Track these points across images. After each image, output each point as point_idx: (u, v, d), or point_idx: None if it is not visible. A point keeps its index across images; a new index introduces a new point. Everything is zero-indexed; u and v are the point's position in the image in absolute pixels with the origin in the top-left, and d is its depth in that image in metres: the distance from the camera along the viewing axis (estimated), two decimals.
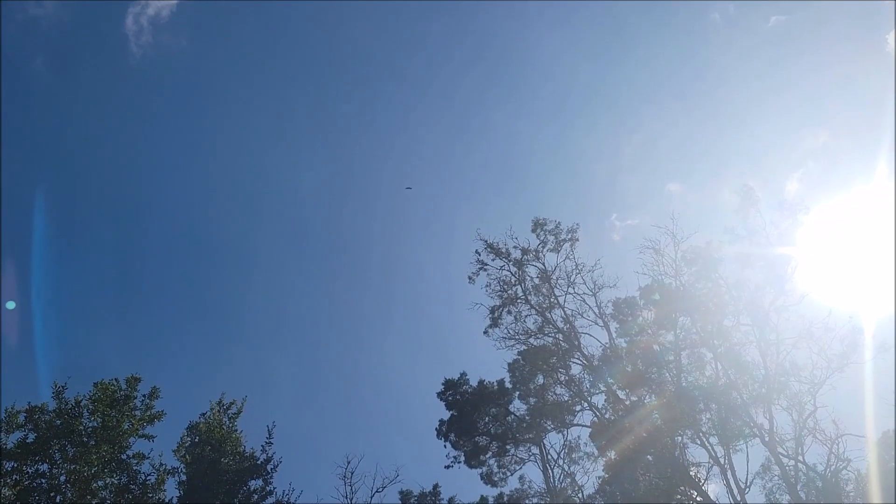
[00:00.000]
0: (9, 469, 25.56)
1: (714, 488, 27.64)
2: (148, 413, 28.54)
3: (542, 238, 30.48)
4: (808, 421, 24.51)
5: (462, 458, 31.03)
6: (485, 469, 31.32)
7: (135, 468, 27.46)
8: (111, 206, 77.24)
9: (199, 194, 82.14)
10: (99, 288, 76.92)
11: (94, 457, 26.34)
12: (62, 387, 27.33)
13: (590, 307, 29.63)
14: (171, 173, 78.65)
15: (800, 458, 24.48)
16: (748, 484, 25.15)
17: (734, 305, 27.18)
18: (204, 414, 29.42)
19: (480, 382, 31.18)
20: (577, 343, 29.60)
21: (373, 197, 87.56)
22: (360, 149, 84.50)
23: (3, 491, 25.09)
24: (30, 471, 25.78)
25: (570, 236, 30.36)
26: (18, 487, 24.94)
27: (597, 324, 29.59)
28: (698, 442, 26.98)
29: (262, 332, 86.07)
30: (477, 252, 30.57)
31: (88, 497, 25.95)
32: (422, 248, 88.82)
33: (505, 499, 31.40)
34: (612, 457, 28.87)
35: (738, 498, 24.75)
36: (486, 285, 30.40)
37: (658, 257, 28.23)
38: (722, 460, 25.79)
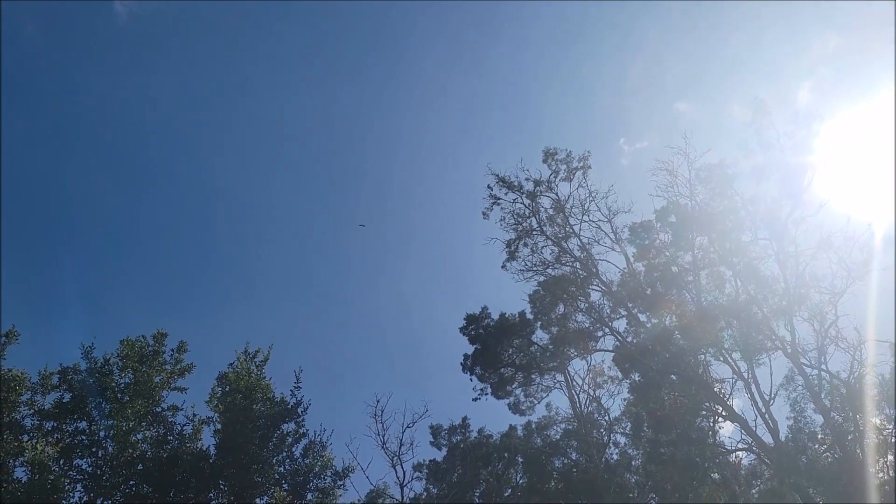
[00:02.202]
0: (49, 429, 26.30)
1: (738, 403, 28.01)
2: (178, 366, 29.10)
3: (553, 168, 30.23)
4: (829, 330, 24.51)
5: (489, 390, 31.57)
6: (512, 399, 31.95)
7: (170, 420, 28.19)
8: (114, 162, 77.37)
9: (205, 145, 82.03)
10: (109, 245, 77.74)
11: (130, 411, 27.00)
12: (90, 346, 27.81)
13: (606, 234, 29.60)
14: (171, 126, 78.42)
15: (823, 366, 24.62)
16: (772, 396, 25.37)
17: (751, 220, 26.94)
18: (231, 364, 29.88)
19: (502, 315, 31.42)
20: (594, 270, 29.65)
21: (380, 138, 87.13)
22: (360, 89, 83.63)
23: (46, 450, 25.87)
24: (69, 429, 26.50)
25: (581, 164, 30.09)
26: (61, 445, 25.69)
27: (614, 250, 29.60)
28: (721, 359, 27.11)
29: (281, 280, 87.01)
30: (489, 187, 30.41)
31: (129, 450, 26.72)
32: (434, 187, 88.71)
33: (533, 426, 32.10)
34: (637, 379, 29.25)
35: (763, 410, 25.01)
36: (501, 219, 30.33)
37: (672, 178, 27.99)
38: (745, 375, 25.98)
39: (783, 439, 25.15)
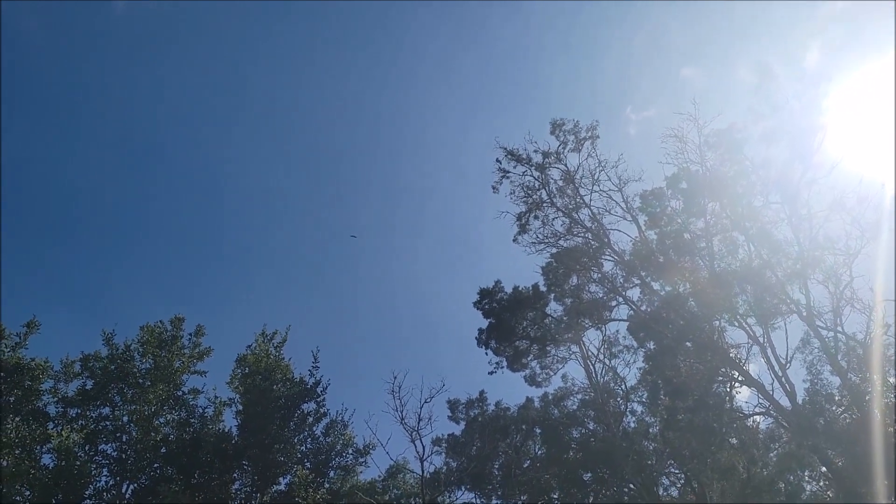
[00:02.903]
0: (73, 415, 26.79)
1: (754, 368, 28.04)
2: (196, 350, 29.55)
3: (561, 139, 30.06)
4: (844, 292, 24.40)
5: (504, 364, 31.69)
6: (527, 371, 32.10)
7: (192, 403, 28.67)
8: (125, 154, 77.66)
9: (209, 132, 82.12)
10: (120, 236, 78.31)
11: (152, 396, 27.47)
12: (111, 333, 28.22)
13: (616, 203, 29.46)
14: (179, 114, 78.52)
15: (839, 328, 24.54)
16: (788, 360, 25.32)
17: (762, 185, 26.74)
18: (250, 346, 30.28)
19: (515, 289, 31.44)
20: (606, 240, 29.58)
21: (387, 117, 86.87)
22: (366, 69, 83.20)
23: (72, 436, 26.36)
24: (93, 415, 27.01)
25: (589, 134, 29.89)
26: (86, 431, 26.17)
27: (625, 219, 29.47)
28: (736, 324, 27.07)
29: (294, 262, 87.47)
30: (497, 160, 30.28)
31: (152, 434, 27.19)
32: (443, 163, 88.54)
33: (550, 398, 32.26)
34: (652, 347, 29.27)
35: (780, 374, 25.01)
36: (511, 193, 30.24)
37: (681, 145, 27.78)
38: (761, 339, 25.94)
39: (800, 402, 25.16)
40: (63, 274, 73.85)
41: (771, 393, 24.98)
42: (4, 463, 24.96)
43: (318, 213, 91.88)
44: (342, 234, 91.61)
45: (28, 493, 23.99)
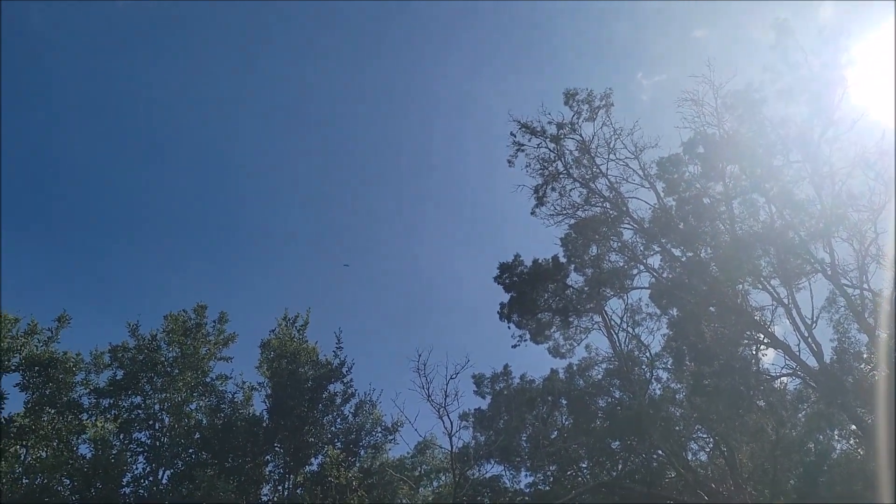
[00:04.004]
0: (106, 406, 27.28)
1: (780, 330, 27.92)
2: (221, 337, 29.91)
3: (575, 109, 29.79)
4: (870, 248, 24.14)
5: (527, 336, 31.71)
6: (551, 343, 32.08)
7: (221, 389, 29.08)
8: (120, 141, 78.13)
9: (221, 118, 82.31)
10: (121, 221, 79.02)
11: (181, 383, 27.89)
12: (136, 324, 28.59)
13: (633, 171, 29.23)
14: (186, 102, 78.72)
15: (865, 286, 24.34)
16: (814, 320, 25.18)
17: (782, 144, 26.38)
18: (273, 330, 30.56)
19: (535, 262, 31.34)
20: (625, 209, 29.42)
21: (396, 95, 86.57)
22: (372, 45, 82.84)
23: (106, 426, 26.89)
24: (126, 404, 27.50)
25: (604, 102, 29.61)
26: (119, 420, 26.66)
27: (643, 186, 29.26)
28: (760, 286, 26.92)
29: (312, 244, 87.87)
30: (512, 134, 30.11)
31: (185, 421, 27.64)
32: (457, 139, 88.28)
33: (574, 368, 32.24)
34: (675, 314, 29.19)
35: (806, 334, 24.90)
36: (526, 166, 30.08)
37: (698, 108, 27.44)
38: (786, 301, 25.79)
39: (828, 361, 25.06)
40: (82, 267, 74.72)
41: (798, 354, 24.87)
42: (43, 454, 25.55)
43: (333, 195, 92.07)
44: (358, 214, 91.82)
45: (68, 482, 24.55)
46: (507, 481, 32.42)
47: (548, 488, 30.29)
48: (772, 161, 26.94)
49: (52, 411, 26.22)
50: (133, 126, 79.85)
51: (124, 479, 25.48)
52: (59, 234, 75.31)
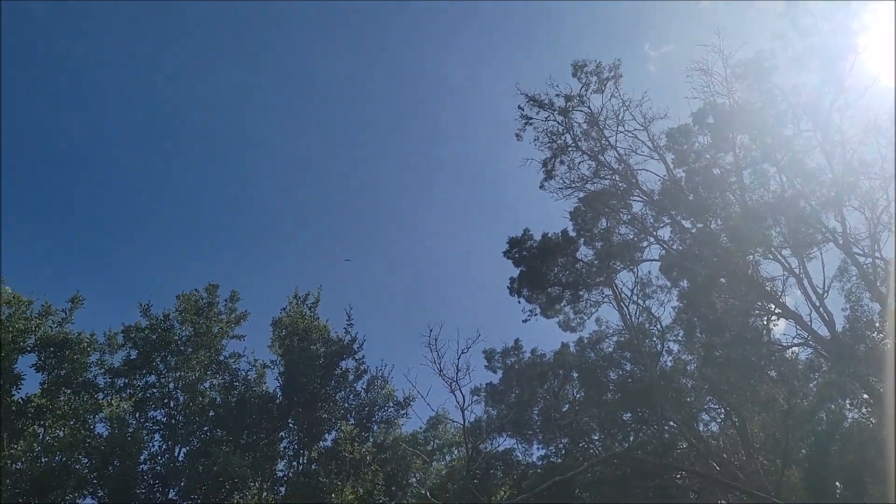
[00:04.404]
0: (121, 385, 27.59)
1: (791, 300, 27.82)
2: (233, 315, 30.08)
3: (583, 81, 29.49)
4: (881, 216, 23.96)
5: (538, 311, 31.69)
6: (561, 317, 32.06)
7: (234, 367, 29.32)
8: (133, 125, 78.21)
9: (229, 96, 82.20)
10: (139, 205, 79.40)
11: (195, 362, 28.13)
12: (148, 304, 28.79)
13: (643, 142, 29.00)
14: (189, 88, 78.61)
15: (877, 254, 24.19)
16: (826, 289, 25.10)
17: (793, 113, 26.08)
18: (284, 308, 30.72)
19: (544, 236, 31.23)
20: (634, 181, 29.25)
21: (405, 70, 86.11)
22: (379, 23, 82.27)
23: (122, 405, 27.22)
24: (140, 384, 27.79)
25: (612, 74, 29.28)
26: (134, 399, 26.97)
27: (652, 158, 29.03)
28: (770, 257, 26.81)
29: (319, 221, 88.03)
30: (519, 107, 29.83)
31: (199, 399, 27.92)
32: (465, 113, 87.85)
33: (585, 342, 32.26)
34: (685, 286, 29.12)
35: (818, 304, 24.83)
36: (535, 139, 29.84)
37: (707, 78, 27.11)
38: (797, 271, 25.69)
39: (839, 331, 24.99)
40: (92, 250, 75.17)
41: (809, 324, 24.84)
42: (61, 434, 25.91)
43: (342, 173, 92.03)
44: (367, 193, 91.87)
45: (86, 460, 24.90)
46: (519, 454, 32.66)
47: (560, 460, 30.50)
48: (782, 130, 26.69)
49: (69, 391, 26.55)
50: (144, 110, 79.85)
51: (141, 457, 25.84)
52: (68, 217, 75.71)
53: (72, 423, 26.00)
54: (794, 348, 27.20)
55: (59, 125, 73.89)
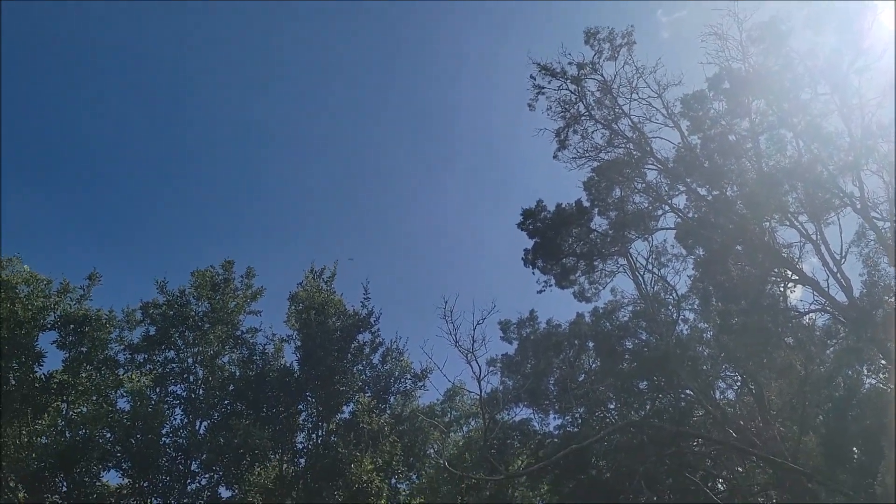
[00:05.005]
0: (141, 361, 27.90)
1: (808, 267, 27.64)
2: (249, 291, 30.26)
3: (596, 48, 29.11)
4: None
5: (552, 282, 31.65)
6: (576, 288, 32.00)
7: (251, 341, 29.58)
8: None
9: (241, 74, 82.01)
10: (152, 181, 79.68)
11: (212, 337, 28.38)
12: (164, 281, 29.01)
13: (657, 110, 28.67)
14: (202, 61, 78.40)
15: (895, 218, 23.96)
16: (843, 255, 24.81)
17: (810, 76, 25.68)
18: (300, 283, 30.86)
19: (558, 206, 31.09)
20: (648, 149, 28.99)
21: (417, 44, 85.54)
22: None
23: (143, 380, 27.56)
24: (160, 359, 28.08)
25: (625, 41, 28.88)
26: (154, 374, 27.29)
27: (666, 125, 28.70)
28: (787, 223, 26.57)
29: (334, 195, 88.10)
30: (532, 77, 29.53)
31: (218, 373, 28.21)
32: (477, 85, 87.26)
33: (600, 312, 32.29)
34: (701, 254, 28.98)
35: (835, 270, 24.62)
36: (547, 109, 29.56)
37: (722, 42, 26.74)
38: (814, 237, 25.46)
39: (857, 296, 24.82)
40: (107, 227, 75.77)
41: (826, 290, 24.68)
42: (84, 409, 26.31)
43: (357, 147, 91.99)
44: (382, 166, 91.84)
45: (109, 434, 25.30)
46: (535, 424, 32.93)
47: (576, 430, 30.69)
48: (799, 94, 26.30)
49: (90, 368, 26.86)
50: (161, 88, 80.00)
51: (163, 430, 26.20)
52: (84, 195, 76.24)
53: (94, 398, 26.37)
54: (811, 314, 27.09)
55: (75, 105, 74.15)
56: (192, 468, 26.02)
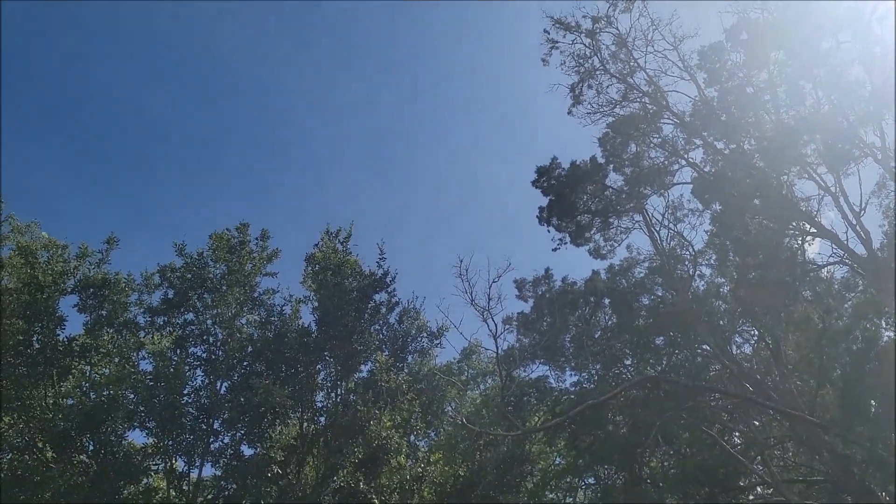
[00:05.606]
0: (161, 323, 28.23)
1: (826, 221, 27.34)
2: (265, 253, 30.39)
3: (611, 1, 28.61)
4: None
5: (567, 240, 31.54)
6: (591, 245, 31.90)
7: (269, 303, 29.80)
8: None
9: (253, 39, 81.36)
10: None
11: (230, 299, 28.60)
12: (182, 244, 29.17)
13: (673, 62, 28.18)
14: (216, 29, 77.77)
15: None
16: (863, 207, 24.52)
17: (831, 25, 25.05)
18: (316, 245, 30.93)
19: (573, 163, 30.84)
20: (664, 103, 28.59)
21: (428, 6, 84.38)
22: None
23: (163, 342, 27.92)
24: (179, 321, 28.38)
25: None
26: (174, 336, 27.63)
27: (682, 78, 28.23)
28: (806, 176, 26.21)
29: (350, 154, 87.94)
30: (545, 31, 29.09)
31: (237, 334, 28.50)
32: (492, 42, 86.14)
33: (616, 268, 32.26)
34: (718, 208, 28.72)
35: (854, 222, 24.37)
36: (561, 64, 29.16)
37: None
38: (833, 189, 25.13)
39: (876, 248, 24.59)
40: (123, 192, 76.17)
41: (846, 242, 24.46)
42: (106, 371, 26.76)
43: (369, 105, 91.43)
44: (394, 125, 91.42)
45: (132, 395, 25.73)
46: (552, 381, 33.22)
47: (592, 386, 30.92)
48: (820, 44, 25.68)
49: (111, 331, 27.22)
50: (176, 50, 79.55)
51: (184, 391, 26.60)
52: (99, 160, 76.49)
53: (116, 360, 26.80)
54: (829, 267, 26.95)
55: (92, 67, 73.99)
56: (215, 427, 26.45)
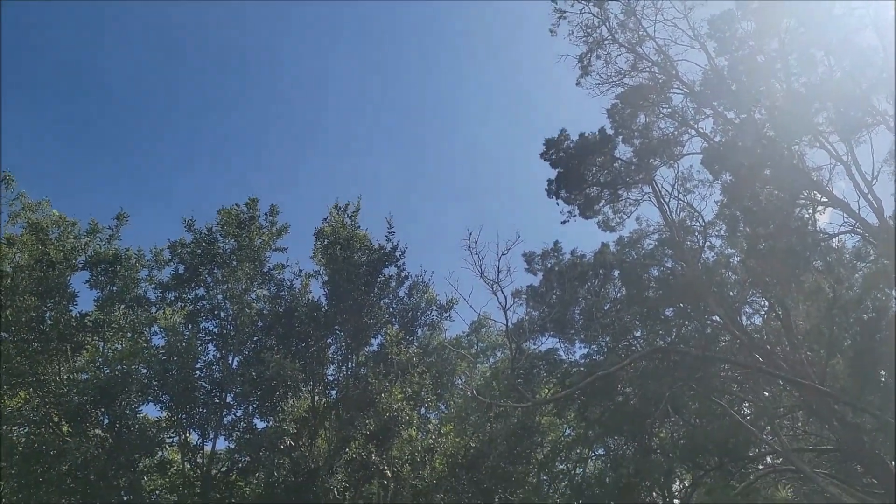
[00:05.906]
0: (172, 299, 28.42)
1: (837, 190, 27.10)
2: (274, 228, 30.46)
3: None
4: None
5: (576, 212, 31.35)
6: (600, 217, 31.71)
7: (279, 277, 29.94)
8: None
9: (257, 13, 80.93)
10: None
11: (240, 274, 28.73)
12: (191, 220, 29.27)
13: (682, 31, 27.81)
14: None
15: None
16: (875, 175, 24.31)
17: None
18: (325, 219, 30.96)
19: (581, 135, 30.60)
20: (674, 72, 28.29)
21: None
22: None
23: (175, 317, 28.13)
24: (190, 297, 28.57)
25: None
26: (185, 311, 27.83)
27: (692, 47, 27.88)
28: (817, 145, 25.93)
29: (361, 129, 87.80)
30: (553, 0, 28.81)
31: (247, 309, 28.68)
32: (500, 14, 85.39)
33: (625, 241, 32.12)
34: (728, 179, 28.48)
35: (866, 191, 24.16)
36: (569, 34, 28.86)
37: None
38: (845, 157, 24.87)
39: (888, 217, 24.39)
40: (131, 168, 76.35)
41: (857, 212, 24.28)
42: (119, 346, 27.02)
43: (377, 79, 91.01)
44: (402, 98, 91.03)
45: (146, 370, 26.00)
46: (562, 353, 33.26)
47: (602, 358, 30.98)
48: (832, 10, 25.29)
49: (123, 306, 27.44)
50: (180, 24, 79.28)
51: (196, 365, 26.85)
52: (108, 137, 76.58)
53: (129, 335, 27.05)
54: (840, 237, 26.76)
55: (98, 43, 73.81)
56: (227, 401, 26.73)
